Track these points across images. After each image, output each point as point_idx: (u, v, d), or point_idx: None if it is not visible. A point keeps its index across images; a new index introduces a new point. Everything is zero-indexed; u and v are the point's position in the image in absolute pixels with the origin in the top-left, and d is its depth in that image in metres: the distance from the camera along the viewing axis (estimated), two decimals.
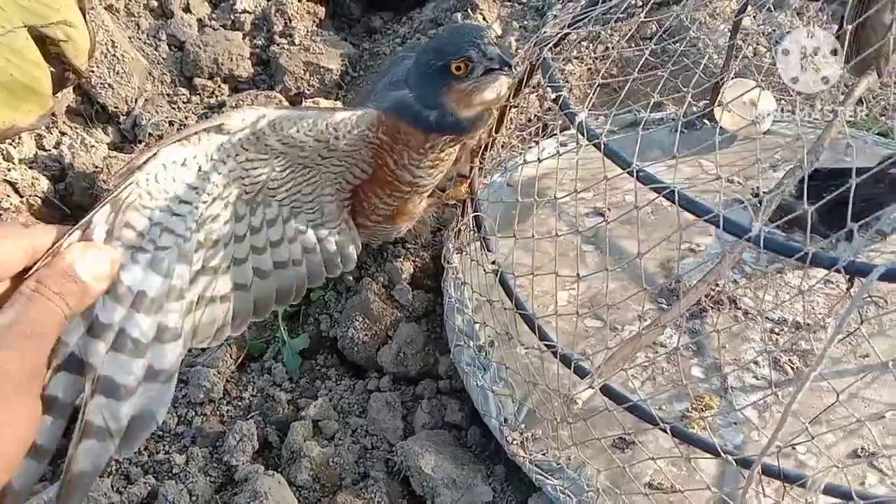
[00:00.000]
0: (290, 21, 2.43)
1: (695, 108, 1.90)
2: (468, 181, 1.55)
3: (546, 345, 1.15)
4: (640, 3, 1.38)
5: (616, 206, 1.67)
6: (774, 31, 2.11)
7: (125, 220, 0.91)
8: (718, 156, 1.75)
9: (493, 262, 1.29)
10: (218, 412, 1.44)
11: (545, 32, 1.25)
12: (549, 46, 1.20)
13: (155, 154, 0.96)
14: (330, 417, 1.39)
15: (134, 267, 0.92)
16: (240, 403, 1.46)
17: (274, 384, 1.48)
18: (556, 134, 1.78)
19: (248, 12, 2.47)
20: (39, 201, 1.91)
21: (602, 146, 1.00)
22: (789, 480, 0.94)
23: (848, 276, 1.22)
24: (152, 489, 1.29)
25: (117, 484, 1.32)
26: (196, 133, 1.03)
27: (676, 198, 0.89)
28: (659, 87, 1.15)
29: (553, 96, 1.13)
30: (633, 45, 2.02)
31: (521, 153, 1.74)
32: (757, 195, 1.54)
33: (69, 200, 1.95)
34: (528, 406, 1.25)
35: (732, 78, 1.87)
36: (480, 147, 1.44)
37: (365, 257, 1.61)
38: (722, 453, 0.95)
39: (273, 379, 1.49)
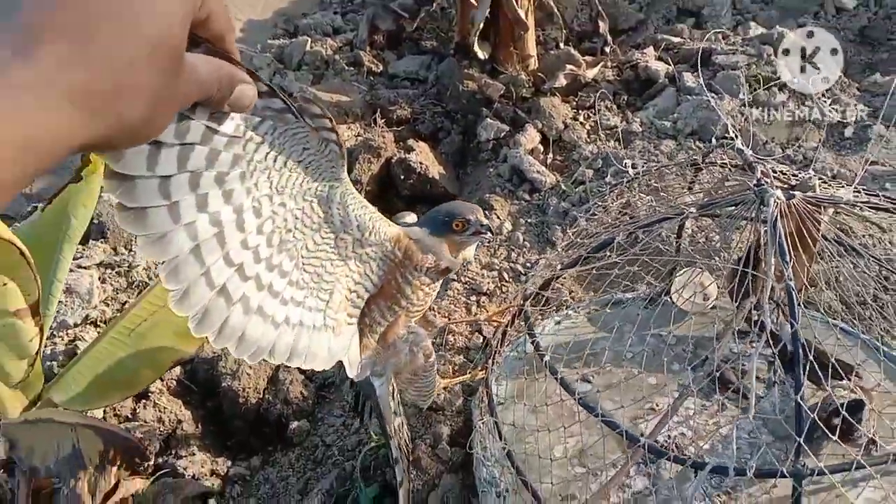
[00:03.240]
0: None
1: (658, 288, 2.43)
2: (502, 311, 2.05)
3: None
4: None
5: (599, 374, 2.18)
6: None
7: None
8: (675, 329, 2.27)
9: (504, 446, 1.79)
10: None
11: (528, 287, 1.81)
12: (530, 299, 1.76)
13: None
14: None
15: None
16: None
17: None
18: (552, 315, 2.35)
19: None
20: (175, 383, 2.51)
21: (600, 415, 1.51)
22: None
23: None
24: None
25: None
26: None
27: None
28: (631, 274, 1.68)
29: (535, 352, 1.66)
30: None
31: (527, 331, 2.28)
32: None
33: (195, 379, 2.55)
34: None
35: (683, 265, 2.42)
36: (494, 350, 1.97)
37: (415, 423, 2.15)
38: None
39: None
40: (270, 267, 1.31)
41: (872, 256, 1.77)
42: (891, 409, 1.84)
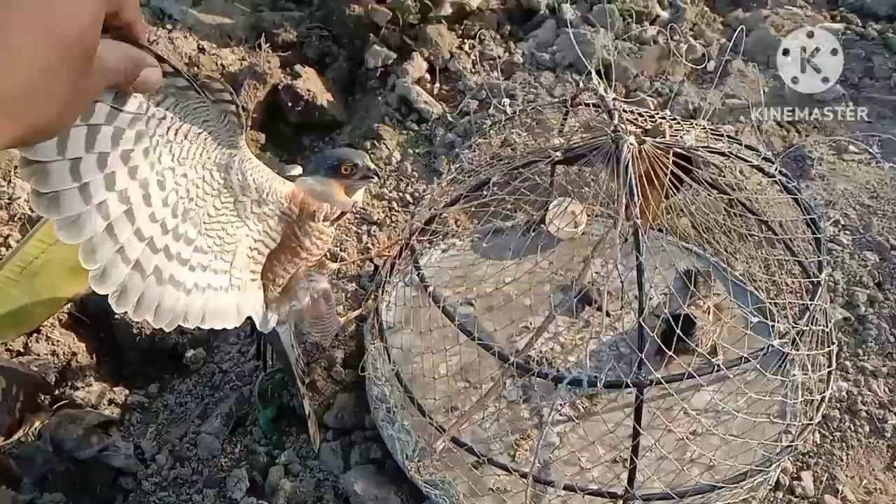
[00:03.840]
0: None
1: (535, 217, 2.62)
2: (391, 244, 2.20)
3: (428, 422, 1.83)
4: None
5: (480, 297, 2.38)
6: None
7: None
8: (549, 254, 2.48)
9: (393, 368, 1.96)
10: (219, 464, 2.09)
11: (414, 223, 1.95)
12: (416, 234, 1.90)
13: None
14: (294, 462, 2.05)
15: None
16: (233, 456, 2.11)
17: (255, 441, 2.13)
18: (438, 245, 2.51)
19: None
20: (66, 316, 2.52)
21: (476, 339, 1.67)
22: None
23: None
24: None
25: None
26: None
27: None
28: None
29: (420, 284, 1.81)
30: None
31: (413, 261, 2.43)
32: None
33: (87, 312, 2.57)
34: (419, 446, 1.95)
35: (557, 195, 2.62)
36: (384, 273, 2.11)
37: (312, 350, 2.29)
38: (510, 470, 1.67)
39: (254, 438, 2.14)
40: (177, 237, 1.38)
41: (714, 186, 2.01)
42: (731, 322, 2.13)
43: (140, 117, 1.20)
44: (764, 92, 3.16)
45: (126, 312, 1.33)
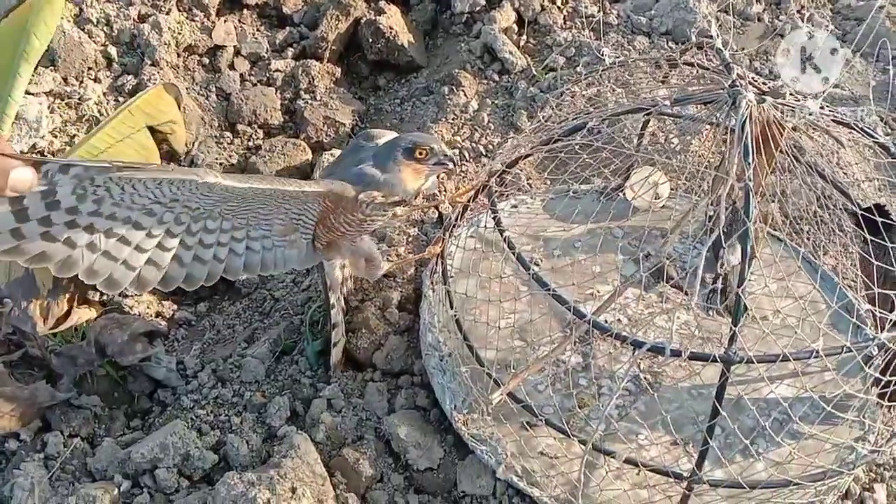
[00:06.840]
0: (314, 80, 2.98)
1: (613, 183, 2.48)
2: (465, 191, 2.11)
3: (486, 373, 1.74)
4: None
5: (547, 258, 2.27)
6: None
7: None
8: (624, 222, 2.34)
9: (454, 314, 1.86)
10: (262, 389, 2.03)
11: (495, 166, 1.83)
12: (495, 176, 1.78)
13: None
14: (338, 397, 1.97)
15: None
16: (276, 384, 2.04)
17: (300, 372, 2.07)
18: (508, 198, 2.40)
19: (280, 71, 3.01)
20: None
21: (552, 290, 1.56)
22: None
23: None
24: (219, 439, 1.88)
25: (193, 435, 1.90)
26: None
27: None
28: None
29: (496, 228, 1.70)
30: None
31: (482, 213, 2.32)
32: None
33: None
34: (469, 399, 1.85)
35: (641, 163, 2.47)
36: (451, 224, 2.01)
37: (368, 286, 2.20)
38: (569, 434, 1.56)
39: (299, 368, 2.08)
40: (191, 233, 1.58)
41: (820, 174, 1.85)
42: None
43: (84, 197, 1.32)
44: (870, 85, 2.95)
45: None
